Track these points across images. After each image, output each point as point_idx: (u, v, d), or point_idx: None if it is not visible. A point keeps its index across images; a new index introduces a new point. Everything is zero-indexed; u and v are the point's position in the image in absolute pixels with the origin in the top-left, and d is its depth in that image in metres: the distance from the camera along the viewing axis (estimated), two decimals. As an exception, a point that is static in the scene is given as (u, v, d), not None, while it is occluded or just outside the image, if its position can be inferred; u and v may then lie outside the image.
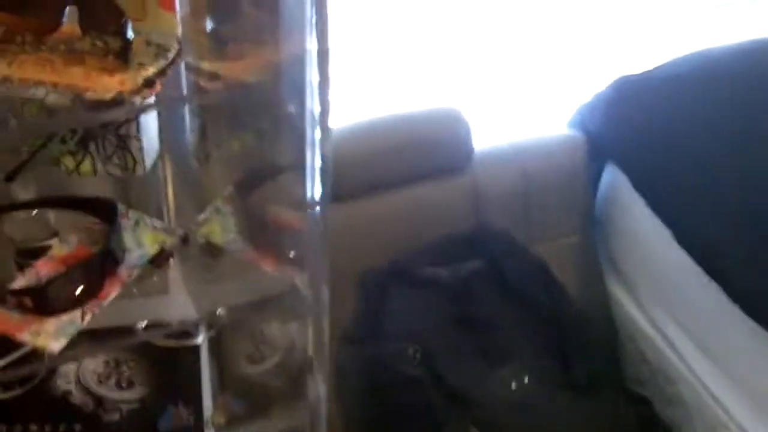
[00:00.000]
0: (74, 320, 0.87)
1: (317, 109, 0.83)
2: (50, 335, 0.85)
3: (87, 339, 0.93)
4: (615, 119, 1.65)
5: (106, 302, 0.90)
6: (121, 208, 1.00)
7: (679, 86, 1.60)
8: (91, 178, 1.02)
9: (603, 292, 1.69)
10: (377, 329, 1.46)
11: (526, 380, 1.40)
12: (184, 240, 0.99)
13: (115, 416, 1.13)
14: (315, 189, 0.90)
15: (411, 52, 1.65)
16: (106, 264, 0.92)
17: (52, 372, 1.10)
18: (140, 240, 0.98)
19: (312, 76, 0.80)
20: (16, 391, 1.08)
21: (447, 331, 1.44)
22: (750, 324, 1.34)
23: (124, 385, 1.13)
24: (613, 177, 1.67)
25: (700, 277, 1.42)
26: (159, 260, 0.97)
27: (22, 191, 1.05)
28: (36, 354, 0.89)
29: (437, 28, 1.64)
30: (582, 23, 1.78)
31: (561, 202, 1.64)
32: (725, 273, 1.39)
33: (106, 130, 0.97)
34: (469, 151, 1.55)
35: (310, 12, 0.76)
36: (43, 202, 1.01)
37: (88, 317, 0.88)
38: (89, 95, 0.72)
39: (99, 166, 1.01)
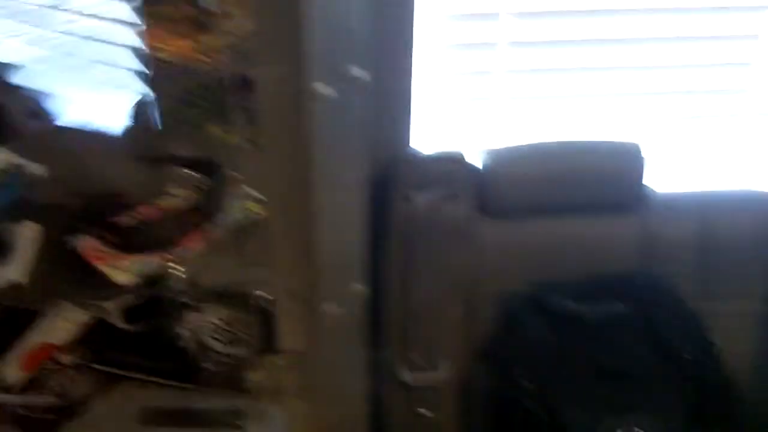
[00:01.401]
0: (149, 262, 0.97)
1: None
2: (122, 270, 0.95)
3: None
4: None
5: (185, 253, 0.99)
6: (236, 176, 1.08)
7: None
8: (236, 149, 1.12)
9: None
10: (506, 354, 1.43)
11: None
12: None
13: (211, 365, 1.22)
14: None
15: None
16: (194, 219, 1.01)
17: (178, 319, 1.21)
18: (240, 208, 1.06)
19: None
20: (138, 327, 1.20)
21: (574, 370, 1.38)
22: None
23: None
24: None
25: None
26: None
27: (181, 149, 1.18)
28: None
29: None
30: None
31: (743, 264, 1.49)
32: None
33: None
34: (640, 189, 1.47)
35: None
36: (170, 159, 1.12)
37: (162, 263, 0.97)
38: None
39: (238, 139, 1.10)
